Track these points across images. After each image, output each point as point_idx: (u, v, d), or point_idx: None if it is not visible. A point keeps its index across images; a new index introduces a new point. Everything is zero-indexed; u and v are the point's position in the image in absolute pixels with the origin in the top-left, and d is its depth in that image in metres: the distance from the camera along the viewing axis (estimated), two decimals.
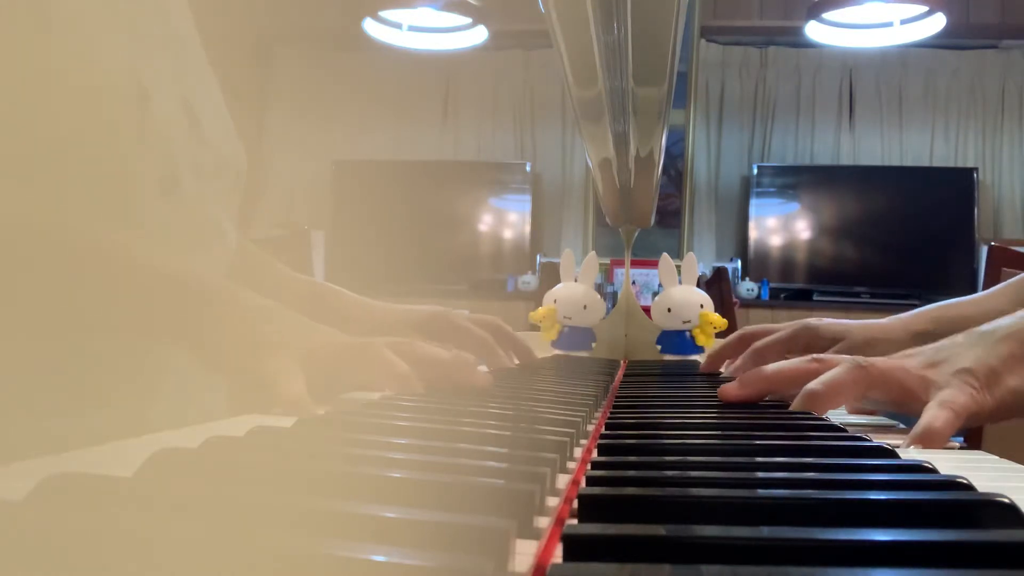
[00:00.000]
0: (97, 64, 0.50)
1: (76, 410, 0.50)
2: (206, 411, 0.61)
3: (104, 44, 0.50)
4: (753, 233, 3.67)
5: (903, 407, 0.50)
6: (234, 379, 0.48)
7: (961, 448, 0.43)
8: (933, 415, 0.45)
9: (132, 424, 0.52)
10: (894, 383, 0.49)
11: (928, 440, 0.43)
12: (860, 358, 0.51)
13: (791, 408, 0.51)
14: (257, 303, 0.50)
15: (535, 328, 1.02)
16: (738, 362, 0.72)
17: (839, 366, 0.50)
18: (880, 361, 0.51)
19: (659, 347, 0.99)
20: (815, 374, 0.51)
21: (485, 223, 3.81)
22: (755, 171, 3.69)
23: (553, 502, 0.25)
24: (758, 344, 0.70)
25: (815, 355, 0.54)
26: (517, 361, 0.77)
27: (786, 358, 0.60)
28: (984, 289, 1.18)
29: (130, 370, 0.54)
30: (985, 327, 0.51)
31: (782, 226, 3.69)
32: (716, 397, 0.57)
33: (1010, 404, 0.48)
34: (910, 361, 0.51)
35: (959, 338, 0.52)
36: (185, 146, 0.56)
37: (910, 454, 0.35)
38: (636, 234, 1.09)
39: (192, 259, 0.57)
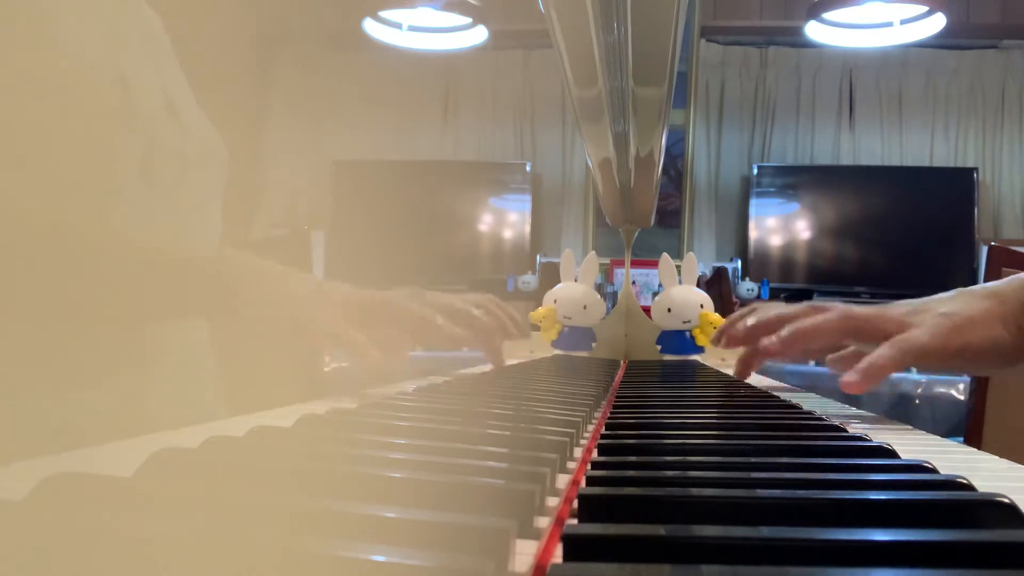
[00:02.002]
0: (76, 51, 0.50)
1: (79, 406, 0.50)
2: (208, 406, 0.61)
3: (82, 33, 0.51)
4: (753, 233, 3.67)
5: None
6: (285, 342, 0.50)
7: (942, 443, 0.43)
8: (879, 352, 0.49)
9: (134, 421, 0.52)
10: (873, 327, 0.54)
11: (868, 371, 0.48)
12: (845, 308, 0.56)
13: (778, 336, 0.56)
14: (286, 270, 0.53)
15: (535, 328, 1.02)
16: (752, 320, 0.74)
17: (828, 312, 0.55)
18: (864, 310, 0.56)
19: (659, 347, 0.99)
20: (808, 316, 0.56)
21: (485, 223, 3.81)
22: (755, 171, 3.69)
23: (553, 502, 0.25)
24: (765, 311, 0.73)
25: (815, 304, 0.59)
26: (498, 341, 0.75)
27: None
28: None
29: (134, 366, 0.54)
30: (972, 288, 0.56)
31: (782, 226, 3.69)
32: (716, 397, 0.57)
33: (975, 350, 0.51)
34: (895, 309, 0.55)
35: (946, 294, 0.56)
36: (166, 131, 0.57)
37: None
38: (636, 234, 1.09)
39: (179, 243, 0.58)
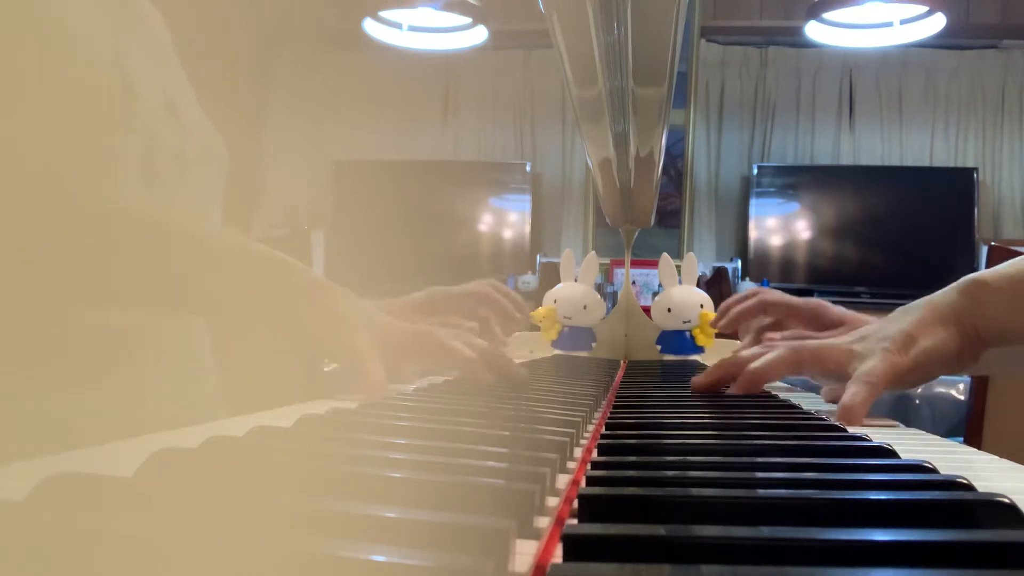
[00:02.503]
0: (84, 52, 0.50)
1: (79, 406, 0.50)
2: (207, 406, 0.61)
3: (85, 33, 0.51)
4: (753, 233, 3.67)
5: (836, 377, 0.57)
6: (318, 354, 0.51)
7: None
8: (852, 393, 0.51)
9: (134, 421, 0.52)
10: (824, 358, 0.57)
11: (847, 417, 0.49)
12: (795, 342, 0.60)
13: (736, 384, 0.59)
14: (330, 284, 0.53)
15: (535, 328, 1.02)
16: (743, 306, 0.80)
17: (776, 349, 0.59)
18: (811, 343, 0.59)
19: (659, 347, 0.99)
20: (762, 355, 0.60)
21: (485, 223, 3.81)
22: (755, 171, 3.69)
23: (553, 502, 0.25)
24: (768, 297, 0.76)
25: (768, 342, 0.63)
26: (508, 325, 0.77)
27: (788, 324, 0.72)
28: None
29: (134, 366, 0.54)
30: (908, 304, 0.59)
31: (782, 226, 3.69)
32: (716, 397, 0.57)
33: (924, 362, 0.54)
34: (840, 339, 0.59)
35: (889, 316, 0.60)
36: (168, 132, 0.57)
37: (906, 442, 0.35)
38: (636, 234, 1.08)
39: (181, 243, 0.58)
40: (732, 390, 0.59)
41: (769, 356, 0.58)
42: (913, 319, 0.56)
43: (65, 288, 0.46)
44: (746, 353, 0.62)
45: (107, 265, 0.46)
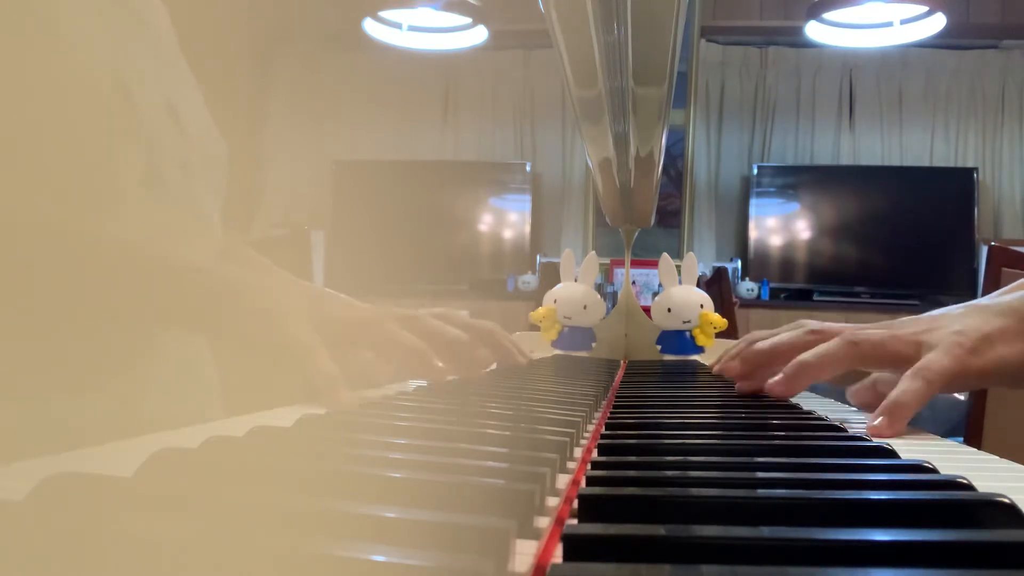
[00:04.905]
0: (81, 60, 0.50)
1: (79, 406, 0.50)
2: (205, 408, 0.61)
3: (87, 41, 0.51)
4: (753, 233, 3.67)
5: (898, 372, 0.49)
6: (261, 359, 0.50)
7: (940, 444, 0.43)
8: (903, 388, 0.45)
9: (134, 421, 0.52)
10: (886, 353, 0.49)
11: (896, 412, 0.44)
12: (851, 334, 0.51)
13: (782, 373, 0.51)
14: (265, 279, 0.52)
15: (535, 328, 1.02)
16: (734, 350, 0.73)
17: (832, 340, 0.51)
18: (872, 334, 0.51)
19: (659, 347, 0.99)
20: (810, 346, 0.52)
21: (485, 223, 3.81)
22: (755, 171, 3.69)
23: (553, 502, 0.25)
24: (754, 335, 0.72)
25: (813, 327, 0.54)
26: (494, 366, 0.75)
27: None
28: (984, 290, 1.19)
29: (134, 367, 0.54)
30: (984, 301, 0.51)
31: (782, 226, 3.69)
32: (716, 397, 0.57)
33: (996, 371, 0.47)
34: (904, 329, 0.51)
35: (956, 308, 0.52)
36: (168, 140, 0.57)
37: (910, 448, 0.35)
38: (636, 234, 1.08)
39: (179, 250, 0.57)
40: (769, 387, 0.52)
41: (823, 349, 0.50)
42: (996, 324, 0.48)
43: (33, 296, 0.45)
44: (787, 337, 0.53)
45: (39, 274, 0.45)
